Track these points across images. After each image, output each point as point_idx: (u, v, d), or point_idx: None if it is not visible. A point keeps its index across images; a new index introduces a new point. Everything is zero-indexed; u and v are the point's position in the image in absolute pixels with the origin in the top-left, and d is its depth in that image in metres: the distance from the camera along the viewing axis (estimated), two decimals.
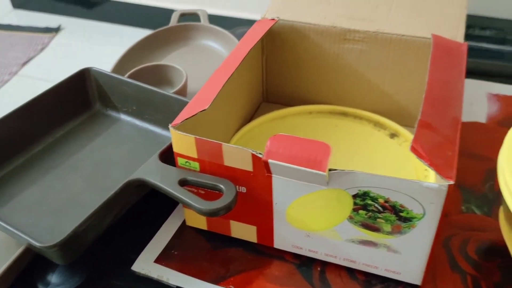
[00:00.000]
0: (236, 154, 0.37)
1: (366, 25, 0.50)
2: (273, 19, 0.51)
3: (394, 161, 0.49)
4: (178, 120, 0.38)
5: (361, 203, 0.36)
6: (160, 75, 0.59)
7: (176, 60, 0.66)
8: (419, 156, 0.33)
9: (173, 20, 0.69)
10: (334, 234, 0.39)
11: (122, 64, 0.62)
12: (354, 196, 0.36)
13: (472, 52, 0.71)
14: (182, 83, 0.55)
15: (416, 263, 0.38)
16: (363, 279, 0.40)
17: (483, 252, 0.42)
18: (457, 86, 0.41)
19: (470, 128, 0.55)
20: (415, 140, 0.34)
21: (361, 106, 0.55)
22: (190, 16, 0.70)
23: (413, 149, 0.34)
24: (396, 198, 0.34)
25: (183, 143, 0.38)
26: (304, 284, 0.40)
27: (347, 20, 0.51)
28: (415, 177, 0.46)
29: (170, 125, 0.38)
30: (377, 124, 0.53)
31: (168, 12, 0.68)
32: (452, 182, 0.32)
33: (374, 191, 0.35)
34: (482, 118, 0.56)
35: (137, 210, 0.44)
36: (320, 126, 0.54)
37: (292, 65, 0.55)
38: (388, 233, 0.37)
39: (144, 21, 0.71)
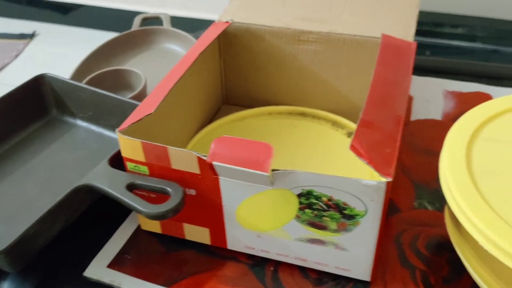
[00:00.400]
0: (182, 157, 0.37)
1: (319, 26, 0.51)
2: (227, 22, 0.51)
3: (351, 160, 0.49)
4: (124, 124, 0.38)
5: (306, 202, 0.36)
6: (119, 80, 0.58)
7: (138, 64, 0.66)
8: (358, 154, 0.34)
9: (136, 24, 0.69)
10: (283, 233, 0.39)
11: (83, 70, 0.62)
12: (299, 196, 0.36)
13: (442, 49, 0.72)
14: (141, 87, 0.55)
15: (364, 259, 0.38)
16: (315, 277, 0.41)
17: (433, 247, 0.43)
18: (402, 84, 0.41)
19: (426, 125, 0.56)
20: (354, 139, 0.35)
21: (319, 106, 0.55)
22: (153, 20, 0.71)
23: (353, 148, 0.34)
24: (339, 196, 0.35)
25: (131, 148, 0.38)
26: (256, 284, 0.40)
27: (301, 22, 0.52)
28: (370, 175, 0.47)
29: (117, 130, 0.38)
30: (335, 124, 0.54)
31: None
32: (390, 179, 0.33)
33: (317, 190, 0.35)
34: (438, 115, 0.57)
35: (92, 214, 0.44)
36: (279, 127, 0.54)
37: (250, 67, 0.56)
38: (335, 231, 0.37)
39: (121, 26, 0.71)
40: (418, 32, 0.80)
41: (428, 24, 0.78)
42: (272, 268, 0.42)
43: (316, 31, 0.51)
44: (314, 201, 0.36)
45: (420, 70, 0.63)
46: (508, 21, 0.78)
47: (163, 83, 0.43)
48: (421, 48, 0.71)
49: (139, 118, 0.38)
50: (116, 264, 0.42)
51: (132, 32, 0.68)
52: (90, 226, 0.45)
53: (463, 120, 0.40)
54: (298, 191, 0.36)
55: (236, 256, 0.43)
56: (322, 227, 0.37)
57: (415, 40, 0.48)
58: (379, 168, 0.34)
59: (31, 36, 0.77)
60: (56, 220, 0.39)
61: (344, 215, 0.36)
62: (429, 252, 0.42)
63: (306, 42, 0.52)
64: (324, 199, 0.35)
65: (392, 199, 0.47)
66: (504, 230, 0.31)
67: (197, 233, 0.42)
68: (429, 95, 0.60)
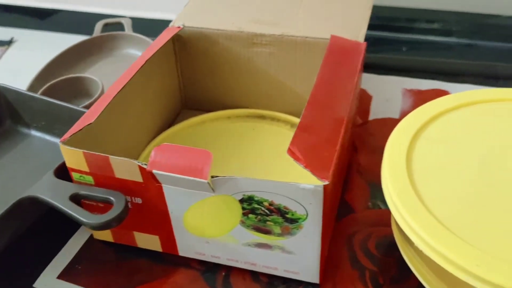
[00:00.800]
0: (124, 166, 0.37)
1: (272, 29, 0.51)
2: (179, 27, 0.51)
3: None
4: (67, 134, 0.38)
5: (249, 207, 0.36)
6: (77, 88, 0.58)
7: (99, 70, 0.65)
8: (296, 158, 0.34)
9: (97, 30, 0.69)
10: (231, 239, 0.39)
11: (42, 78, 0.62)
12: (241, 201, 0.36)
13: (418, 45, 0.72)
14: (98, 94, 0.55)
15: (311, 262, 0.38)
16: (266, 281, 0.41)
17: (384, 247, 0.43)
18: (347, 86, 0.42)
19: (383, 124, 0.56)
20: (292, 143, 0.35)
21: (278, 108, 0.55)
22: (115, 26, 0.70)
23: (290, 152, 0.34)
24: (279, 200, 0.35)
25: (74, 158, 0.38)
26: None
27: (254, 25, 0.52)
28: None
29: (59, 141, 0.38)
30: (293, 126, 0.54)
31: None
32: (327, 183, 0.33)
33: (258, 195, 0.35)
34: (396, 114, 0.57)
35: (45, 223, 0.44)
36: (238, 130, 0.54)
37: (206, 71, 0.55)
38: (279, 234, 0.37)
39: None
40: (394, 28, 0.81)
41: (404, 20, 0.79)
42: (224, 273, 0.42)
43: (269, 34, 0.51)
44: (256, 206, 0.36)
45: (380, 68, 0.63)
46: (483, 15, 0.78)
47: (110, 90, 0.43)
48: (397, 44, 0.72)
49: (80, 128, 0.38)
50: (66, 274, 0.42)
51: (94, 38, 0.68)
52: (43, 236, 0.45)
53: (406, 120, 0.40)
54: (240, 197, 0.36)
55: (189, 262, 0.43)
56: (267, 232, 0.37)
57: (365, 40, 0.49)
58: (317, 171, 0.34)
59: (8, 43, 0.76)
60: (1, 232, 0.38)
61: (287, 219, 0.36)
62: (379, 252, 0.42)
63: (260, 45, 0.52)
64: (266, 204, 0.35)
65: (346, 200, 0.47)
66: (439, 232, 0.32)
67: (148, 241, 0.42)
68: (389, 94, 0.60)
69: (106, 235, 0.44)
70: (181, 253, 0.42)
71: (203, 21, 0.53)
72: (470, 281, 0.29)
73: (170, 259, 0.43)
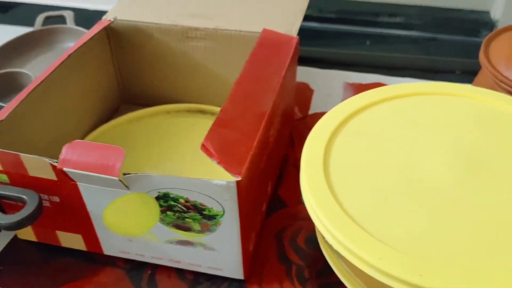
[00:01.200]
0: (36, 164, 0.36)
1: (206, 22, 0.50)
2: (110, 20, 0.50)
3: None
4: None
5: (165, 204, 0.36)
6: (11, 83, 0.56)
7: (39, 65, 0.63)
8: (209, 154, 0.33)
9: (38, 23, 0.67)
10: (152, 236, 0.38)
11: None
12: (157, 198, 0.35)
13: (382, 39, 0.72)
14: None
15: (233, 258, 0.38)
16: (191, 278, 0.40)
17: (312, 241, 0.43)
18: (273, 80, 0.41)
19: None
20: (206, 138, 0.34)
21: (218, 103, 0.54)
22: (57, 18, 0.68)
23: (203, 148, 0.34)
24: (195, 197, 0.34)
25: None
26: None
27: (189, 18, 0.51)
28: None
29: None
30: None
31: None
32: (239, 178, 0.33)
33: (173, 192, 0.35)
34: None
35: None
36: (178, 126, 0.53)
37: (144, 65, 0.54)
38: (199, 231, 0.37)
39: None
40: (358, 22, 0.81)
41: (367, 14, 0.79)
42: (149, 272, 0.41)
43: (203, 28, 0.50)
44: (172, 203, 0.35)
45: (323, 63, 0.63)
46: (444, 9, 0.79)
47: (30, 85, 0.41)
48: (361, 38, 0.72)
49: None
50: None
51: (34, 31, 0.66)
52: None
53: (330, 114, 0.40)
54: (155, 194, 0.35)
55: (114, 261, 0.42)
56: (187, 229, 0.37)
57: (298, 34, 0.48)
58: (230, 167, 0.33)
59: None
60: None
61: (204, 215, 0.35)
62: (308, 247, 0.42)
63: (195, 38, 0.51)
64: (182, 201, 0.35)
65: (280, 194, 0.47)
66: (348, 226, 0.31)
67: (72, 240, 0.41)
68: (330, 88, 0.60)
69: (29, 235, 0.42)
70: (106, 251, 0.41)
71: (136, 14, 0.52)
72: (373, 274, 0.29)
73: (95, 258, 0.42)
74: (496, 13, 0.77)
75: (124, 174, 0.34)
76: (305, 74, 0.62)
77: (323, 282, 0.40)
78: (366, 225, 0.31)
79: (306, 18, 0.73)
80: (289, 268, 0.41)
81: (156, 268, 0.41)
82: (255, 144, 0.35)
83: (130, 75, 0.56)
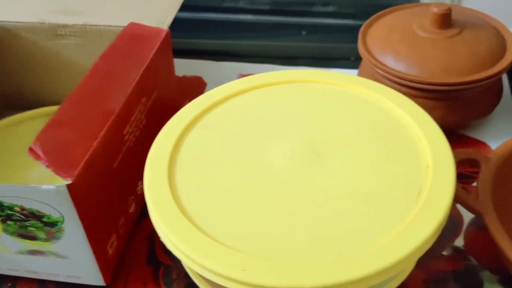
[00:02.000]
0: None
1: (75, 19, 0.48)
2: None
3: None
4: None
5: (3, 214, 0.33)
6: None
7: None
8: (36, 157, 0.32)
9: None
10: (2, 247, 0.36)
11: None
12: None
13: (316, 28, 0.71)
14: None
15: (87, 265, 0.36)
16: None
17: None
18: (128, 76, 0.39)
19: None
20: (35, 141, 0.32)
21: None
22: None
23: (30, 151, 0.32)
24: (29, 204, 0.32)
25: None
26: None
27: (58, 15, 0.48)
28: None
29: None
30: None
31: None
32: (70, 181, 0.31)
33: (7, 201, 0.32)
34: None
35: None
36: None
37: (16, 67, 0.51)
38: (46, 240, 0.35)
39: None
40: (291, 13, 0.79)
41: (300, 4, 0.78)
42: (10, 284, 0.39)
43: (71, 24, 0.48)
44: (9, 212, 0.33)
45: (218, 54, 0.62)
46: None
47: None
48: (296, 28, 0.70)
49: None
50: None
51: None
52: None
53: (187, 107, 0.39)
54: None
55: None
56: (33, 238, 0.35)
57: (169, 27, 0.46)
58: (60, 170, 0.31)
59: None
60: None
61: (45, 223, 0.34)
62: None
63: (65, 36, 0.49)
64: (17, 209, 0.33)
65: None
66: (180, 223, 0.30)
67: None
68: (225, 80, 0.58)
69: None
70: None
71: (1, 14, 0.49)
72: (201, 272, 0.28)
73: None
74: (426, 1, 0.77)
75: None
76: (199, 67, 0.60)
77: (190, 281, 0.38)
78: (201, 223, 0.30)
79: (206, 9, 0.71)
80: (156, 270, 0.39)
81: (15, 280, 0.39)
82: (95, 144, 0.34)
83: (4, 78, 0.53)
